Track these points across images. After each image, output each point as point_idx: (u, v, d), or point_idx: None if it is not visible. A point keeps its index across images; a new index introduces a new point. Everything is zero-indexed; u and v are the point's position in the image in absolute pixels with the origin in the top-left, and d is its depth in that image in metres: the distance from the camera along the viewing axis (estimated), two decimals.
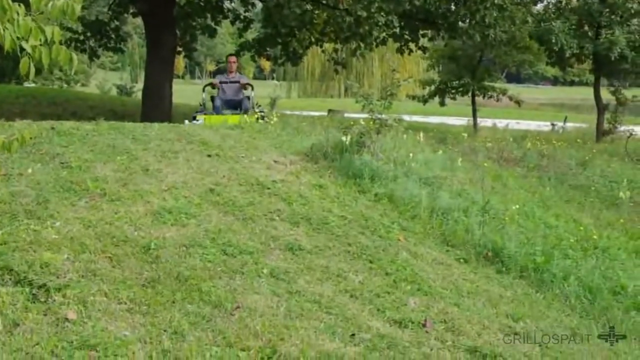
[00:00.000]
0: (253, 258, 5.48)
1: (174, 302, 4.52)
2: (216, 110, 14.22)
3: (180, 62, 54.88)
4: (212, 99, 15.01)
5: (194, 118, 13.53)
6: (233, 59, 15.33)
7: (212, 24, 19.13)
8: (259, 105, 15.11)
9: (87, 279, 4.69)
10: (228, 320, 4.31)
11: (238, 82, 14.93)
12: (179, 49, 19.48)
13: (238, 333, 4.12)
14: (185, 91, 36.77)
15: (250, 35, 21.02)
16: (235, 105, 14.53)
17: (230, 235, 5.85)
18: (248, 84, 15.18)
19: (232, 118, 13.16)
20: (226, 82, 14.75)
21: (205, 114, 13.90)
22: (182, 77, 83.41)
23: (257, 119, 12.80)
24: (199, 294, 4.65)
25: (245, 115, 12.86)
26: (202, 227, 5.94)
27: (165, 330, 4.12)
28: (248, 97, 14.98)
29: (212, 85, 15.27)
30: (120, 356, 3.79)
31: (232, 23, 19.81)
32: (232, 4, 19.67)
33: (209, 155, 7.96)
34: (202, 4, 16.60)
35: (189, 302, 4.53)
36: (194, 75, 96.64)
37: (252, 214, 6.45)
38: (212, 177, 7.23)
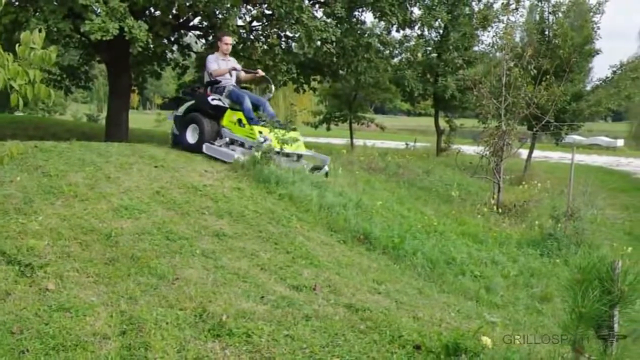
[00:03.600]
0: (189, 242, 5.42)
1: (129, 275, 4.44)
2: (247, 114, 9.01)
3: (134, 97, 53.48)
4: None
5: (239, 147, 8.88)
6: (230, 40, 10.07)
7: (158, 69, 18.76)
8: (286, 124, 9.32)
9: (63, 259, 4.57)
10: (170, 288, 4.26)
11: (254, 73, 10.18)
12: (133, 87, 19.06)
13: (177, 297, 4.07)
14: (139, 119, 35.98)
15: (187, 77, 20.70)
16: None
17: (172, 225, 5.77)
18: (263, 77, 10.34)
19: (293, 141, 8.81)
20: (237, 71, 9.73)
21: (254, 123, 8.91)
22: (137, 108, 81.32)
23: (315, 169, 9.15)
24: (148, 269, 4.58)
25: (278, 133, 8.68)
26: (150, 220, 5.84)
27: (122, 296, 4.05)
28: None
29: (210, 83, 9.45)
30: (88, 316, 3.72)
31: (173, 69, 19.49)
32: (173, 55, 19.31)
33: (156, 166, 7.82)
34: (150, 54, 16.24)
35: (140, 275, 4.45)
36: (145, 107, 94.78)
37: (188, 209, 6.38)
38: (158, 182, 7.10)
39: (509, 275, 6.81)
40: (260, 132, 8.73)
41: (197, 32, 17.61)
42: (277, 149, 8.57)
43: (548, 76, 12.10)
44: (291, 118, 9.77)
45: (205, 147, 8.91)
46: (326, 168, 9.27)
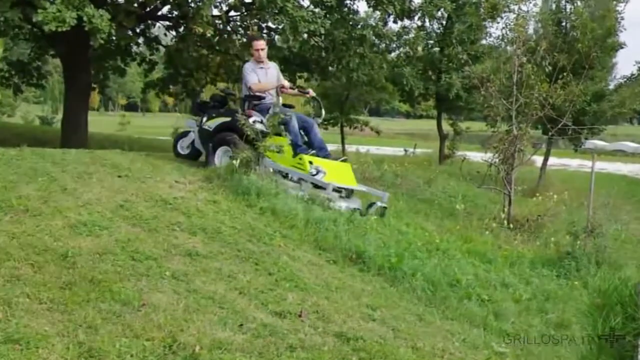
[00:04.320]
0: (157, 263, 5.42)
1: (88, 301, 4.43)
2: (294, 139, 8.90)
3: (95, 96, 53.47)
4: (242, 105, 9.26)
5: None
6: (262, 44, 9.57)
7: (122, 65, 18.78)
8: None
9: (11, 284, 4.54)
10: (135, 316, 4.26)
11: (303, 93, 10.08)
12: (94, 85, 19.04)
13: (144, 326, 4.08)
14: (100, 122, 35.88)
15: (156, 74, 20.73)
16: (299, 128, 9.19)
17: (138, 243, 5.76)
18: (313, 98, 10.51)
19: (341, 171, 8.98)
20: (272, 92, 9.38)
21: (301, 151, 8.77)
22: (97, 110, 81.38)
23: (370, 206, 9.03)
24: (110, 294, 4.57)
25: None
26: (113, 237, 5.83)
27: (80, 325, 4.04)
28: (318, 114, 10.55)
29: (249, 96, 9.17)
30: (40, 348, 3.70)
31: (139, 64, 19.50)
32: (139, 48, 19.33)
33: (119, 176, 7.81)
34: (112, 47, 16.25)
35: (102, 301, 4.45)
36: (107, 108, 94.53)
37: (156, 225, 6.37)
38: (122, 194, 7.09)
39: (521, 300, 6.85)
40: (311, 163, 8.53)
41: (167, 23, 17.63)
42: (334, 183, 8.47)
43: (565, 73, 12.19)
44: (273, 121, 9.72)
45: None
46: (382, 203, 9.09)
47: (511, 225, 10.99)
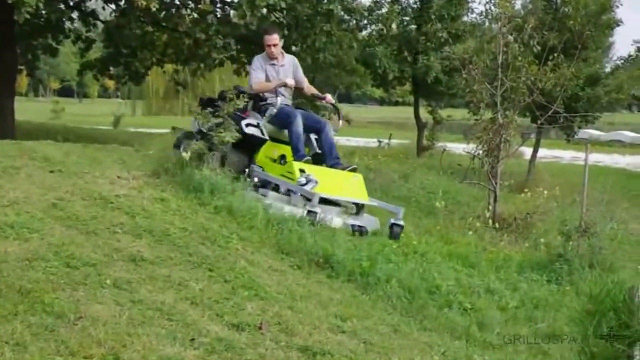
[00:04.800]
0: (96, 269, 5.37)
1: (16, 314, 4.36)
2: (295, 142, 8.59)
3: (23, 79, 52.70)
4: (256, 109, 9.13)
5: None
6: (274, 38, 9.30)
7: (53, 43, 18.53)
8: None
9: None
10: (71, 330, 4.21)
11: (320, 98, 9.89)
12: (20, 66, 18.76)
13: (81, 342, 4.04)
14: (29, 108, 35.40)
15: (93, 54, 20.53)
16: (308, 129, 8.86)
17: (74, 248, 5.70)
18: (318, 96, 9.97)
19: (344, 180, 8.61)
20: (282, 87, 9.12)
21: (299, 158, 8.44)
22: (26, 95, 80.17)
23: (391, 230, 8.48)
24: (42, 306, 4.51)
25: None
26: (45, 240, 5.76)
27: (7, 342, 3.98)
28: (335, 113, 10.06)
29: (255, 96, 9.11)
30: None
31: (74, 43, 19.27)
32: (74, 24, 19.06)
33: (52, 171, 7.73)
34: (42, 23, 16.02)
35: (32, 314, 4.39)
36: (38, 93, 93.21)
37: (95, 227, 6.31)
38: (55, 192, 7.02)
39: (508, 307, 6.91)
40: (303, 171, 8.12)
41: None
42: (325, 195, 8.07)
43: (556, 54, 12.34)
44: (227, 108, 9.65)
45: None
46: (396, 221, 8.53)
47: (497, 225, 11.10)
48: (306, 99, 12.63)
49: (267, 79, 9.16)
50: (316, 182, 7.95)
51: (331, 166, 8.63)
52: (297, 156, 8.38)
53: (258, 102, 9.01)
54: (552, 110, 13.00)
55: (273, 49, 9.14)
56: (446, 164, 16.01)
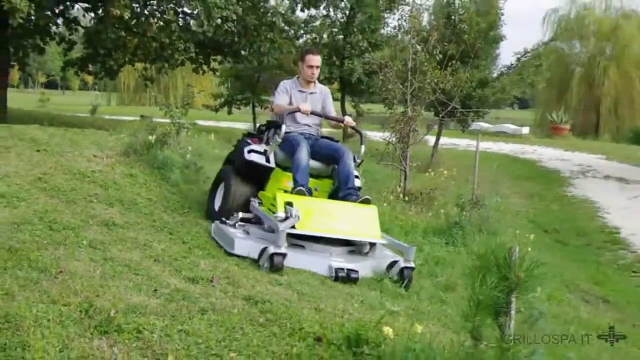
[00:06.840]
0: (74, 232, 5.27)
1: (5, 269, 4.24)
2: (295, 170, 6.19)
3: (15, 73, 51.00)
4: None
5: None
6: (318, 59, 6.80)
7: (41, 44, 17.91)
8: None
9: None
10: (52, 283, 4.11)
11: (338, 121, 7.07)
12: (13, 63, 18.17)
13: (61, 292, 3.93)
14: (20, 98, 34.45)
15: (75, 54, 19.93)
16: (326, 158, 6.64)
17: (56, 214, 5.59)
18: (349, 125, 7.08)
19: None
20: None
21: (297, 189, 5.97)
22: (17, 87, 77.94)
23: (401, 274, 5.91)
24: (27, 262, 4.40)
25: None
26: (31, 208, 5.63)
27: None
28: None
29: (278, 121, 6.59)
30: None
31: (59, 44, 18.69)
32: (59, 29, 18.49)
33: (38, 150, 7.53)
34: (31, 27, 15.47)
35: (19, 269, 4.27)
36: (27, 85, 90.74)
37: (74, 197, 6.19)
38: (40, 168, 6.84)
39: (415, 265, 7.00)
40: (290, 204, 5.76)
41: (85, 5, 16.97)
42: (308, 232, 5.82)
43: (454, 61, 12.49)
44: (187, 100, 9.51)
45: (213, 227, 6.33)
46: (407, 263, 6.02)
47: (406, 198, 11.21)
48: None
49: (291, 105, 6.79)
50: (298, 218, 5.66)
51: (342, 198, 6.26)
52: (295, 187, 6.06)
53: (274, 128, 6.77)
54: (451, 107, 13.15)
55: (315, 70, 6.74)
56: (367, 149, 16.05)
